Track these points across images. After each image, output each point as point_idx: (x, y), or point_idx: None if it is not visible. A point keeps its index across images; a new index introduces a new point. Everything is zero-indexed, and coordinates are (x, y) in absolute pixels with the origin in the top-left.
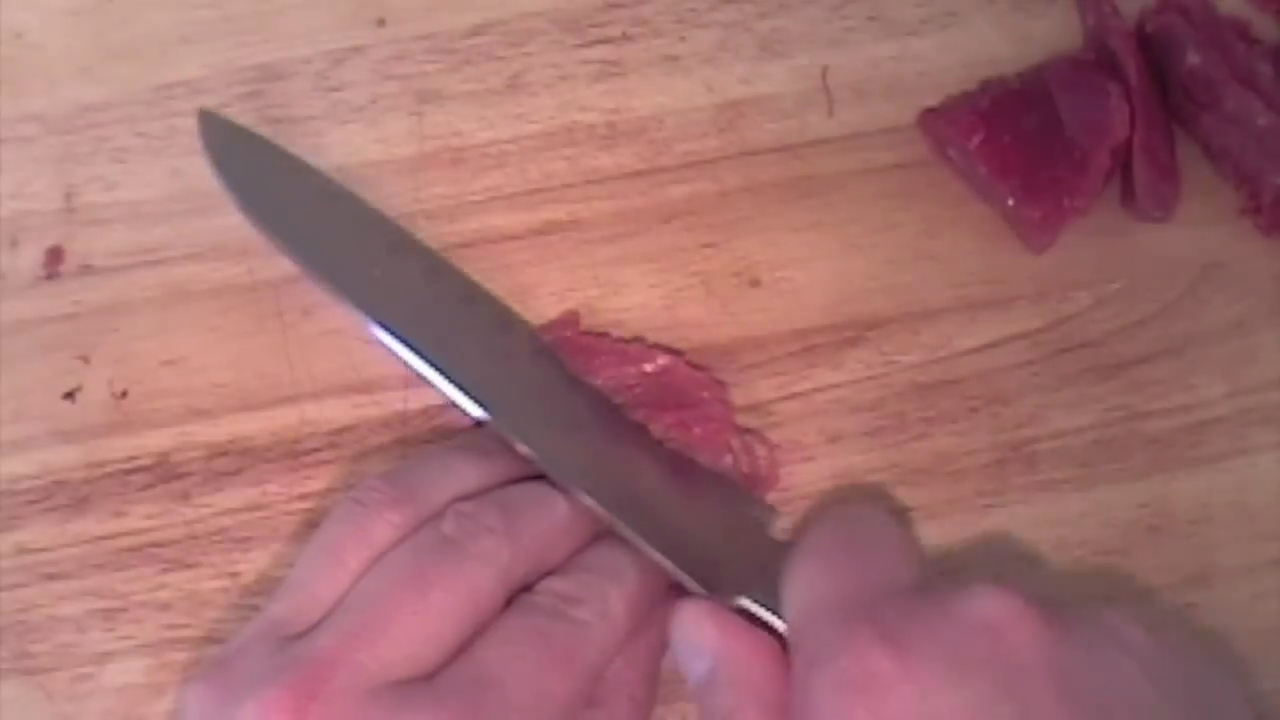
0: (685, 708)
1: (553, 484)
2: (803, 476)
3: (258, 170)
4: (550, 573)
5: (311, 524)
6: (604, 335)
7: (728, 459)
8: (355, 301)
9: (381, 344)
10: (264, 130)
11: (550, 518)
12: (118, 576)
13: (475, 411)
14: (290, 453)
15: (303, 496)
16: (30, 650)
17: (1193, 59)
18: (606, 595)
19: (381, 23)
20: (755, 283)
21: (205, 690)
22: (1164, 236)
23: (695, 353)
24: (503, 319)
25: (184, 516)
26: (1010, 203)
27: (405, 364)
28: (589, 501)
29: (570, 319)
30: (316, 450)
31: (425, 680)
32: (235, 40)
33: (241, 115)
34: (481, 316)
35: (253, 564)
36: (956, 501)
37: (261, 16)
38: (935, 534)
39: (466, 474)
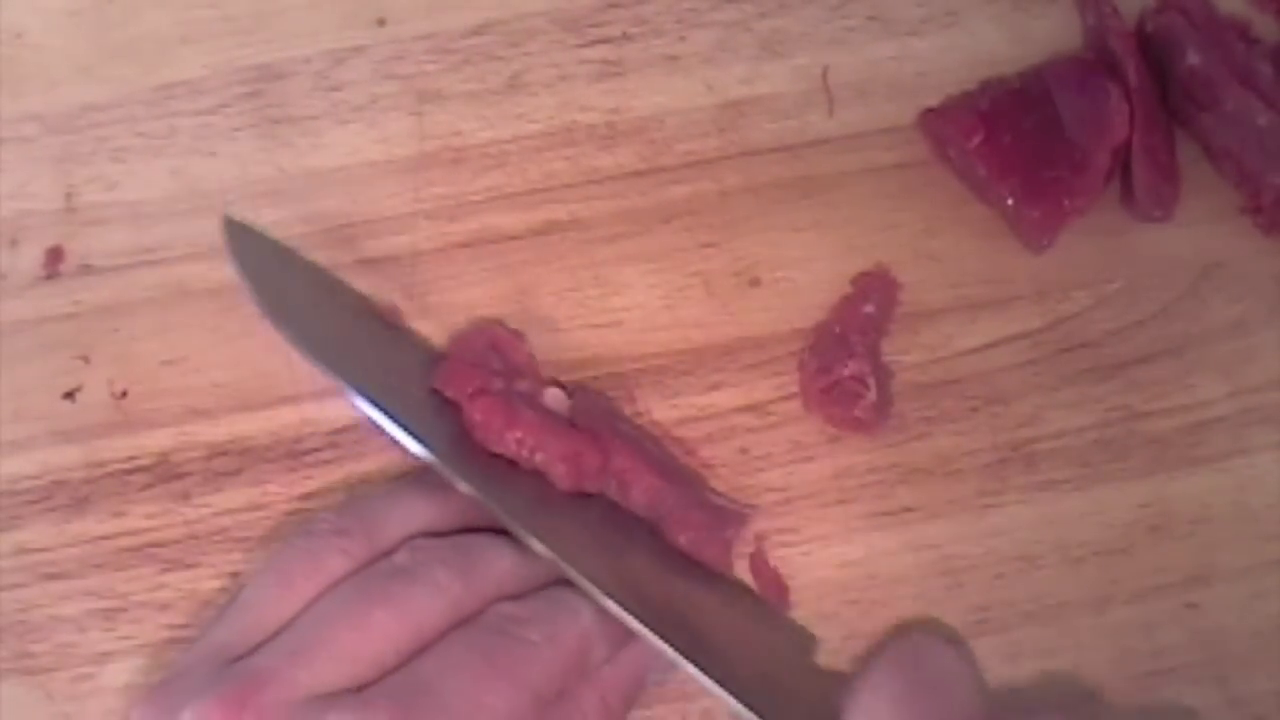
0: (685, 708)
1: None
2: (803, 476)
3: (278, 273)
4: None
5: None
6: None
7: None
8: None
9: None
10: (264, 130)
11: (505, 565)
12: (118, 576)
13: (536, 546)
14: (290, 453)
15: (303, 496)
16: (30, 650)
17: (1193, 59)
18: (555, 620)
19: (381, 23)
20: (755, 283)
21: (146, 711)
22: (1164, 236)
23: (695, 352)
24: None
25: (184, 516)
26: (1010, 203)
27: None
28: (640, 629)
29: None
30: (316, 450)
31: (357, 689)
32: (235, 40)
33: (241, 115)
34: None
35: (253, 564)
36: (956, 501)
37: (261, 16)
38: (935, 534)
39: (418, 508)
